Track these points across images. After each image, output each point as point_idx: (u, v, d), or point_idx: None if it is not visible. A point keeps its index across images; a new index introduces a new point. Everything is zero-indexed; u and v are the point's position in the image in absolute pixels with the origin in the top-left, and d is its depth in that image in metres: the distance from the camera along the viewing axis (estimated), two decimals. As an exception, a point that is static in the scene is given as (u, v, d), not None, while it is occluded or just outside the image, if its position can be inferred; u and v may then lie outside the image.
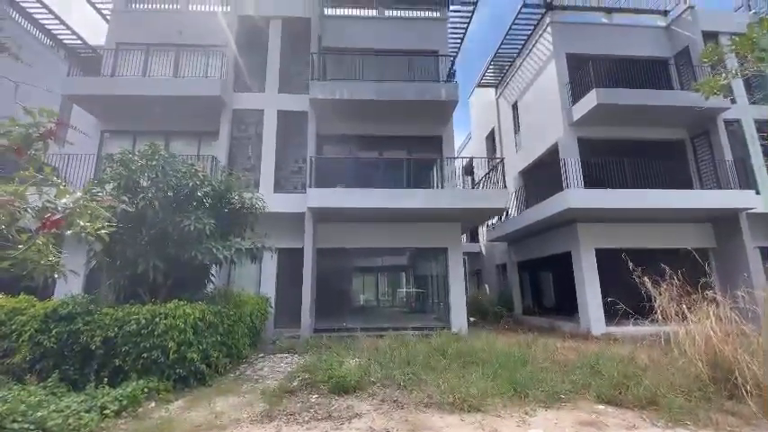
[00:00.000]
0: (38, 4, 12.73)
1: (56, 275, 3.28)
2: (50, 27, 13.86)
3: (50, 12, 13.10)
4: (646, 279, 5.62)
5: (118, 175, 5.59)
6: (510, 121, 16.36)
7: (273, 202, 9.89)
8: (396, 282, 12.29)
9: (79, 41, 14.64)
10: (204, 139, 11.29)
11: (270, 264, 10.25)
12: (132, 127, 11.09)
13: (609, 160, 11.16)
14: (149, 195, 5.37)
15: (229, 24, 11.62)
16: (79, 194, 2.86)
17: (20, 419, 3.56)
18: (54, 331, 5.02)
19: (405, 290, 12.09)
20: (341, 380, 5.08)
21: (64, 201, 2.77)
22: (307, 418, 4.28)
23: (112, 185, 5.59)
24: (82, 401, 4.12)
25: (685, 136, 12.35)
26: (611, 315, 7.68)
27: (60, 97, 10.99)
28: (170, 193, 5.65)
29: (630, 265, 5.84)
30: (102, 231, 3.17)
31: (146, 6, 12.49)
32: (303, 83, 11.35)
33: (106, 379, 4.85)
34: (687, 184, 11.80)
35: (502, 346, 7.32)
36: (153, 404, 4.69)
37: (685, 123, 12.08)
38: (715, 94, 5.07)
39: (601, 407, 4.58)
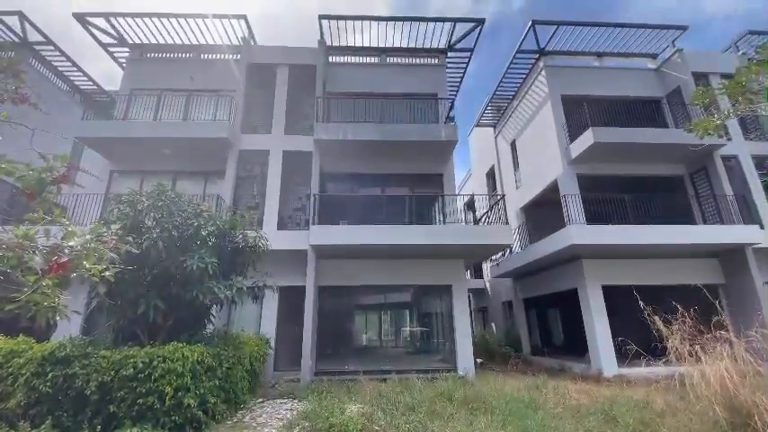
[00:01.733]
0: (57, 53, 13.50)
1: (57, 317, 3.26)
2: (67, 73, 14.60)
3: (68, 59, 13.86)
4: (656, 318, 5.49)
5: (124, 216, 5.68)
6: (509, 158, 16.70)
7: (277, 239, 9.91)
8: (399, 321, 12.02)
9: (95, 87, 15.38)
10: (210, 178, 11.56)
11: (271, 302, 10.12)
12: (140, 167, 11.40)
13: (610, 197, 11.26)
14: (154, 235, 5.42)
15: (239, 71, 12.26)
16: (88, 237, 2.90)
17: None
18: (50, 375, 4.90)
19: (408, 329, 11.80)
20: (342, 428, 4.86)
21: (71, 243, 2.81)
22: (307, 471, 4.06)
23: (118, 225, 5.66)
24: (72, 452, 3.95)
25: (684, 172, 12.53)
26: (623, 355, 7.43)
27: (72, 139, 11.42)
28: (174, 233, 5.71)
29: (641, 303, 5.73)
30: (107, 273, 3.18)
31: (160, 56, 13.23)
32: (308, 124, 11.79)
33: (99, 426, 4.67)
34: (690, 219, 11.81)
35: (511, 391, 7.05)
36: (146, 455, 4.48)
37: (682, 159, 12.29)
38: (709, 134, 5.23)
39: (618, 457, 4.34)
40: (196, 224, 5.86)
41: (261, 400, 7.53)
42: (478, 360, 12.23)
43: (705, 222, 11.65)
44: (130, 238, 5.04)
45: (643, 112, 12.87)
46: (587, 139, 11.24)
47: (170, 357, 5.20)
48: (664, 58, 13.69)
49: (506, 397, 6.35)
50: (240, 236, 7.06)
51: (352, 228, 9.80)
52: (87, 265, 3.04)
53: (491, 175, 19.50)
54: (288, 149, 11.48)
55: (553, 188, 12.75)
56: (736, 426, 4.47)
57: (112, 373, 5.01)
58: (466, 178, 25.34)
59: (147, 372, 5.04)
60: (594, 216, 11.15)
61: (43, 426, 4.50)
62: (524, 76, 14.88)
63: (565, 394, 7.09)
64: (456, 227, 10.91)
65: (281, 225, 10.80)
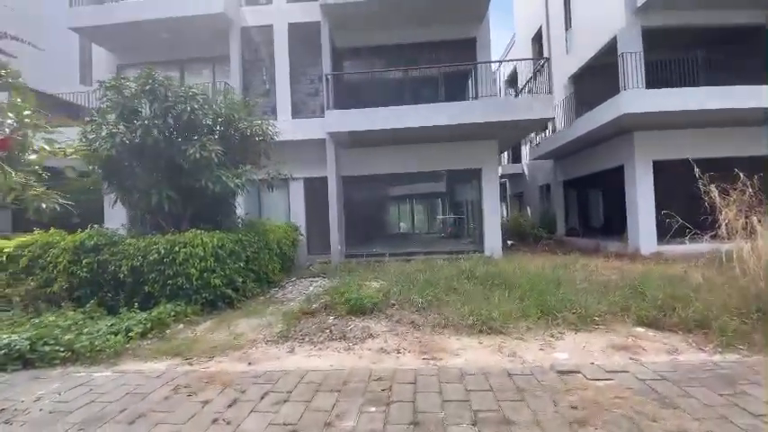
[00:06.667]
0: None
1: (43, 204, 3.21)
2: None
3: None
4: (713, 188, 4.71)
5: (114, 104, 5.35)
6: (561, 15, 13.92)
7: (294, 128, 9.48)
8: (427, 207, 11.87)
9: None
10: (218, 65, 10.80)
11: (297, 193, 10.19)
12: (146, 58, 10.67)
13: (677, 56, 9.18)
14: (146, 123, 5.09)
15: None
16: (27, 112, 2.57)
17: (51, 342, 3.82)
18: (84, 262, 5.30)
19: (436, 215, 11.67)
20: (358, 302, 5.00)
21: (9, 121, 2.51)
22: (321, 339, 4.28)
23: (114, 115, 5.38)
24: (111, 325, 4.37)
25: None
26: (664, 232, 6.81)
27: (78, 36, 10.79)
28: (170, 120, 5.36)
29: (697, 171, 4.90)
30: (74, 156, 2.96)
31: None
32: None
33: (137, 304, 5.13)
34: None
35: (535, 268, 6.90)
36: (181, 326, 4.94)
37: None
38: None
39: (640, 329, 4.15)
40: (189, 109, 5.41)
41: (294, 279, 8.06)
42: (509, 242, 12.14)
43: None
44: (122, 126, 4.77)
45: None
46: (662, -27, 8.76)
47: (191, 243, 5.38)
48: None
49: (530, 274, 6.21)
50: (245, 123, 6.58)
51: (370, 111, 8.98)
52: (46, 147, 2.80)
53: (538, 40, 16.73)
54: (294, 21, 10.11)
55: (610, 50, 10.62)
56: (784, 301, 4.02)
57: (141, 258, 5.31)
58: (507, 50, 22.17)
59: (171, 256, 5.29)
60: (656, 80, 9.36)
61: (88, 305, 5.01)
62: None
63: (594, 271, 6.86)
64: (487, 101, 9.70)
65: (296, 113, 10.16)
